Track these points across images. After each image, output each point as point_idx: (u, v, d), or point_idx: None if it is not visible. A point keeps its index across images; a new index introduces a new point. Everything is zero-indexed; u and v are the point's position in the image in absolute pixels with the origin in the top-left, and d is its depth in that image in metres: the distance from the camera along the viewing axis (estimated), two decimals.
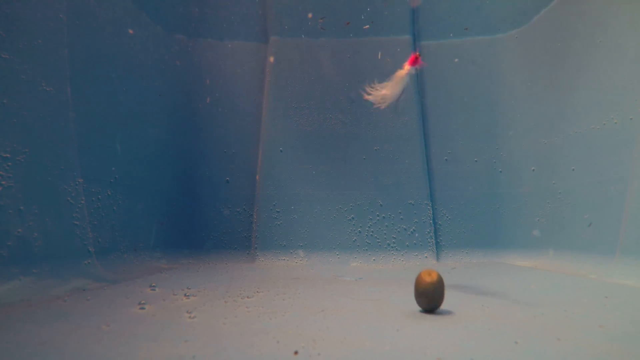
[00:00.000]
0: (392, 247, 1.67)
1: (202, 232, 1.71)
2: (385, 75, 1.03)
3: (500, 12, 1.71)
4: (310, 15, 1.60)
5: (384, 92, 0.98)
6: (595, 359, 0.46)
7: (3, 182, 0.84)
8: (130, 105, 1.39)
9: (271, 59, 1.74)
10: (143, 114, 1.47)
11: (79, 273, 0.99)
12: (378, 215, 1.70)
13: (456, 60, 1.70)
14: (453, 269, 1.40)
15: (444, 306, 0.75)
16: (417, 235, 1.68)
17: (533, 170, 1.59)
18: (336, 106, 1.75)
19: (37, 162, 0.93)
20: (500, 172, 1.71)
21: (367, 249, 1.67)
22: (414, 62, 0.98)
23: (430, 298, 0.68)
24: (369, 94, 0.99)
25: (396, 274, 1.31)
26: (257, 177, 1.73)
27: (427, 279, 0.69)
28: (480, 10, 1.74)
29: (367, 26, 1.70)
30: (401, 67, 0.99)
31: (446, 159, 1.76)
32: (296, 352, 0.48)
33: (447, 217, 1.73)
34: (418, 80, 1.77)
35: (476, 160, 1.74)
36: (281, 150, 1.73)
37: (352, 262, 1.62)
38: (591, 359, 0.46)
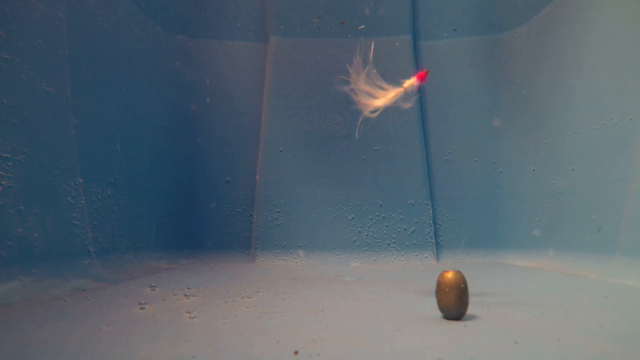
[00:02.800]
0: (392, 247, 1.67)
1: (202, 232, 1.71)
2: (383, 75, 1.01)
3: (500, 12, 1.71)
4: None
5: (376, 102, 0.94)
6: (595, 359, 0.46)
7: (3, 182, 0.84)
8: (130, 105, 1.39)
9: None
10: (143, 114, 1.47)
11: (79, 273, 0.99)
12: (378, 215, 1.70)
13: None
14: (452, 269, 1.40)
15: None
16: (417, 235, 1.68)
17: (533, 170, 1.59)
18: (336, 106, 1.75)
19: (37, 162, 0.93)
20: (500, 172, 1.71)
21: (367, 249, 1.66)
22: (423, 78, 0.93)
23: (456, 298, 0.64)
24: (361, 95, 0.94)
25: (396, 274, 1.31)
26: (257, 177, 1.73)
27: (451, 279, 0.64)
28: (480, 10, 1.74)
29: (363, 26, 1.69)
30: (401, 82, 0.93)
31: (446, 159, 1.76)
32: (296, 352, 0.48)
33: (447, 217, 1.73)
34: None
35: (476, 160, 1.74)
36: (281, 150, 1.73)
37: (352, 262, 1.62)
38: (591, 359, 0.46)
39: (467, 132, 1.75)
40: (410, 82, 0.91)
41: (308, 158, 1.73)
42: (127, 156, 1.35)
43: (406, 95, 0.92)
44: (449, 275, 0.65)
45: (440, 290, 0.65)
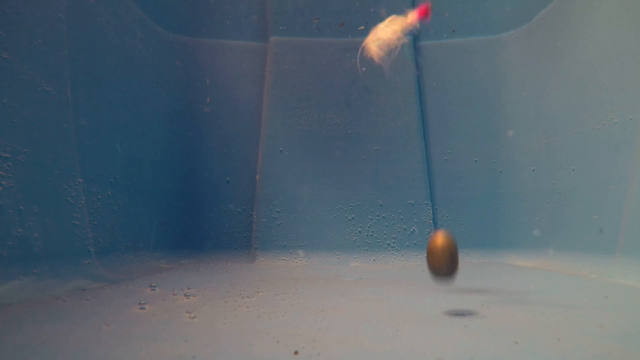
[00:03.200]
0: (392, 247, 1.67)
1: (202, 232, 1.71)
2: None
3: (500, 12, 1.71)
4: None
5: (379, 40, 0.90)
6: (595, 359, 0.46)
7: (3, 182, 0.84)
8: (130, 105, 1.39)
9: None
10: (143, 114, 1.47)
11: (79, 273, 0.99)
12: (378, 215, 1.70)
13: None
14: None
15: (444, 305, 0.75)
16: (417, 235, 1.68)
17: (533, 170, 1.59)
18: (336, 106, 1.75)
19: (37, 162, 0.93)
20: (500, 172, 1.71)
21: (367, 249, 1.66)
22: (424, 15, 0.89)
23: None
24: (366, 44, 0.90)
25: (396, 274, 1.31)
26: (257, 177, 1.73)
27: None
28: (481, 10, 1.74)
29: (362, 27, 1.69)
30: (402, 16, 0.90)
31: (446, 159, 1.76)
32: (296, 352, 0.48)
33: (447, 217, 1.73)
34: (418, 79, 1.77)
35: (476, 160, 1.74)
36: (281, 150, 1.73)
37: (352, 262, 1.62)
38: (591, 359, 0.46)
39: (467, 132, 1.75)
40: (408, 22, 0.89)
41: (308, 158, 1.73)
42: (127, 156, 1.35)
43: (406, 31, 0.89)
44: (440, 236, 0.68)
45: (433, 251, 0.67)
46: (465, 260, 1.66)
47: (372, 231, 1.69)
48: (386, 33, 0.87)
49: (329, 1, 1.75)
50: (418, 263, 1.60)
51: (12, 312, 0.68)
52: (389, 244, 1.67)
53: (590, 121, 1.30)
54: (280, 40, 1.77)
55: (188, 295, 0.85)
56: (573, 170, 1.37)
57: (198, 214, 1.72)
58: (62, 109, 1.03)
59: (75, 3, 1.11)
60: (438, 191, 1.74)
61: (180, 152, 1.70)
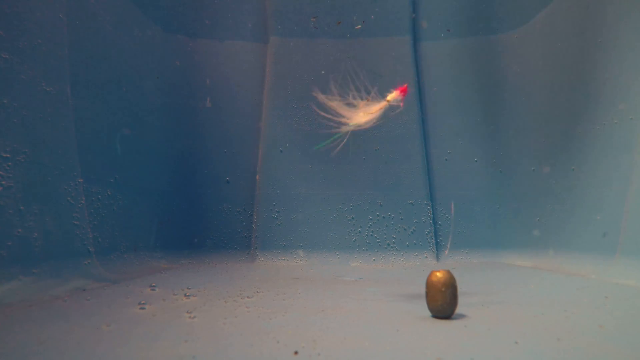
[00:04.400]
0: (392, 247, 1.67)
1: (202, 232, 1.71)
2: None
3: (500, 12, 1.71)
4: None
5: (361, 117, 0.95)
6: (595, 359, 0.46)
7: (3, 182, 0.84)
8: (130, 105, 1.39)
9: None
10: (143, 114, 1.47)
11: (79, 273, 0.99)
12: (378, 215, 1.70)
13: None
14: (453, 269, 1.40)
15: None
16: (417, 235, 1.68)
17: (533, 170, 1.59)
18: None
19: (37, 162, 0.93)
20: (500, 172, 1.71)
21: (367, 249, 1.66)
22: (405, 92, 0.95)
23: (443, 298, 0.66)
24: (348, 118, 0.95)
25: (396, 274, 1.31)
26: (257, 177, 1.73)
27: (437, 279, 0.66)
28: (480, 10, 1.74)
29: (359, 26, 1.69)
30: (385, 95, 0.94)
31: (446, 159, 1.76)
32: (296, 352, 0.48)
33: (447, 217, 1.73)
34: (418, 80, 1.77)
35: (476, 160, 1.74)
36: (281, 150, 1.73)
37: (352, 262, 1.62)
38: (591, 359, 0.46)
39: (467, 132, 1.75)
40: (394, 95, 0.92)
41: (308, 158, 1.73)
42: (127, 156, 1.35)
43: (391, 108, 0.93)
44: (442, 274, 0.66)
45: (436, 289, 0.65)
46: (465, 260, 1.66)
47: (372, 231, 1.69)
48: (366, 115, 0.91)
49: (329, 1, 1.75)
50: (418, 263, 1.60)
51: (12, 312, 0.68)
52: (389, 244, 1.67)
53: (590, 121, 1.30)
54: (280, 40, 1.77)
55: (188, 295, 0.85)
56: (573, 170, 1.37)
57: (198, 214, 1.72)
58: (62, 109, 1.03)
59: (75, 3, 1.11)
60: (438, 191, 1.74)
61: (180, 152, 1.70)
